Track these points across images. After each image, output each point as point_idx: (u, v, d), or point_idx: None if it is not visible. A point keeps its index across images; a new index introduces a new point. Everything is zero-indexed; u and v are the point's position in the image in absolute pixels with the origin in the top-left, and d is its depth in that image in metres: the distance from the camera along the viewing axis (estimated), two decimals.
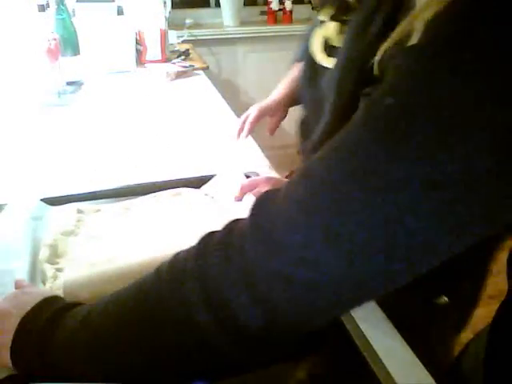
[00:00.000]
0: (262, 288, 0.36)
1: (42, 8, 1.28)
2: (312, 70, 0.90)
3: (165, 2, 1.76)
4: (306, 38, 0.91)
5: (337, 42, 0.84)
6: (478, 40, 0.29)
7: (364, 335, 0.50)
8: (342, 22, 0.83)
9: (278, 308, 0.36)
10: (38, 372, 0.43)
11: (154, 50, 1.73)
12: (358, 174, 0.33)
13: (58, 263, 0.65)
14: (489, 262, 0.71)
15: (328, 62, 0.85)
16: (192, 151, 1.03)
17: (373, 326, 0.51)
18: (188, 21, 2.50)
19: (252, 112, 1.00)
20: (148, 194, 0.82)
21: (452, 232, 0.32)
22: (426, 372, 0.47)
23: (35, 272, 0.64)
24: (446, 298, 0.65)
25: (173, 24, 2.26)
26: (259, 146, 1.02)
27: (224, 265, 0.38)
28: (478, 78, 0.29)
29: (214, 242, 0.40)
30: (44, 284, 0.62)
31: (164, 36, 1.74)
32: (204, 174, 0.88)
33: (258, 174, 0.89)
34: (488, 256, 0.70)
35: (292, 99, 1.05)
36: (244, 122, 0.99)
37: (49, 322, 0.45)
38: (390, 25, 0.71)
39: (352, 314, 0.53)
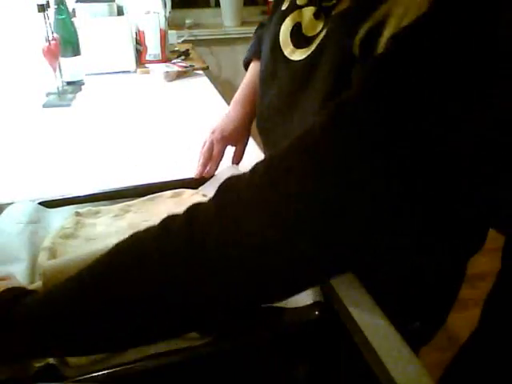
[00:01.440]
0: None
1: (42, 8, 1.28)
2: (275, 63, 0.79)
3: (165, 2, 1.76)
4: (270, 30, 0.82)
5: (311, 30, 0.74)
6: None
7: (361, 328, 0.51)
8: (322, 9, 0.73)
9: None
10: None
11: (153, 50, 1.73)
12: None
13: None
14: (458, 290, 0.73)
15: (296, 55, 0.76)
16: (191, 152, 1.03)
17: (369, 320, 0.51)
18: (188, 21, 2.50)
19: (216, 145, 0.89)
20: (147, 195, 0.82)
21: None
22: (425, 371, 0.47)
23: (34, 276, 0.64)
24: (418, 323, 0.67)
25: (173, 24, 2.26)
26: (259, 145, 1.02)
27: (186, 249, 0.39)
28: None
29: (175, 227, 0.40)
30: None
31: (164, 36, 1.74)
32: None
33: None
34: (459, 284, 0.72)
35: (254, 113, 0.95)
36: (207, 158, 0.89)
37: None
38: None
39: (349, 309, 0.53)
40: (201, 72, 1.75)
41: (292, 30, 0.78)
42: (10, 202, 0.79)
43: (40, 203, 0.79)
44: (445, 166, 0.32)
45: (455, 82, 0.31)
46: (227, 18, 2.54)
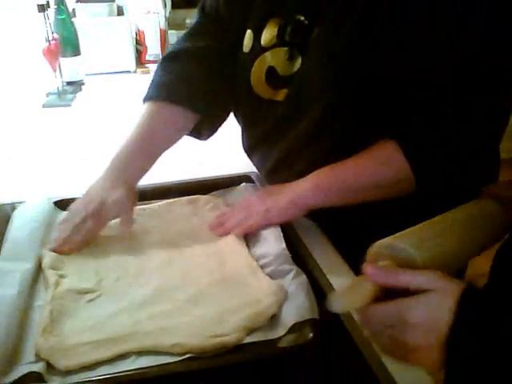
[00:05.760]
0: None
1: (42, 8, 1.28)
2: (257, 107, 0.78)
3: (165, 2, 1.76)
4: (239, 73, 0.78)
5: (288, 70, 0.72)
6: None
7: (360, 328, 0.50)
8: (295, 47, 0.71)
9: None
10: None
11: (154, 50, 1.73)
12: None
13: (61, 269, 0.64)
14: None
15: (278, 96, 0.75)
16: (191, 151, 1.03)
17: None
18: (188, 21, 2.49)
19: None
20: (159, 198, 0.81)
21: None
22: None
23: (39, 276, 0.63)
24: None
25: (173, 24, 2.26)
26: None
27: None
28: None
29: None
30: (46, 290, 0.61)
31: (164, 36, 1.74)
32: (204, 177, 0.88)
33: (258, 174, 0.89)
34: None
35: (141, 175, 0.79)
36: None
37: None
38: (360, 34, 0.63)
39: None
40: None
41: (267, 74, 0.75)
42: (9, 202, 0.79)
43: (56, 202, 0.78)
44: None
45: None
46: None
